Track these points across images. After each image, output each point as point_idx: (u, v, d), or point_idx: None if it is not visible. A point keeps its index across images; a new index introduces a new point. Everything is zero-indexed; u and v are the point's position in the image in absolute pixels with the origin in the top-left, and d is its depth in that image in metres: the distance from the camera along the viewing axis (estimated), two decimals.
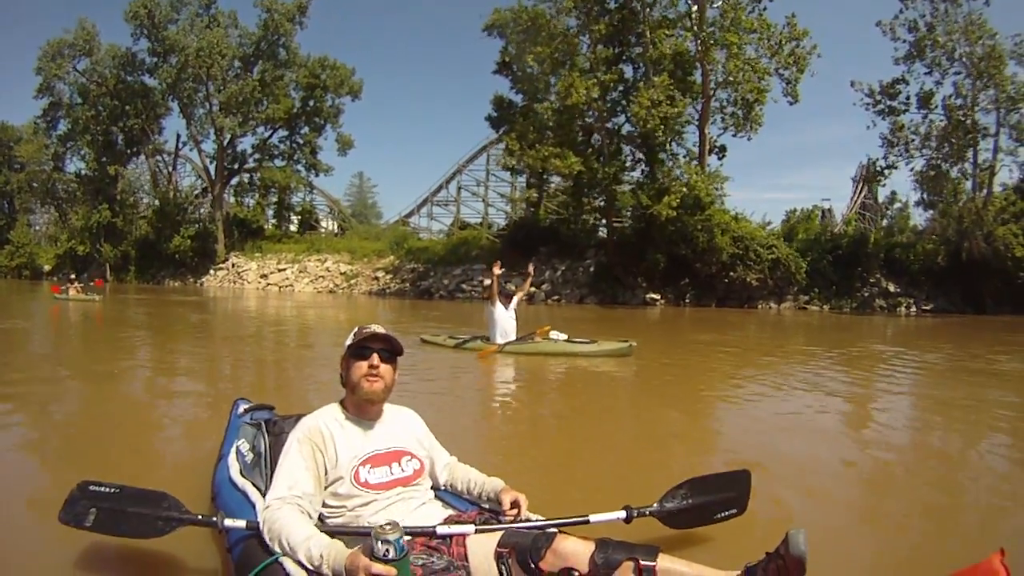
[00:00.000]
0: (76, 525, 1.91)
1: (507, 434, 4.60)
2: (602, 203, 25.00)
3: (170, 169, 32.78)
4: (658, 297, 23.99)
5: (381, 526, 1.46)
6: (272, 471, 2.09)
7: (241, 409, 3.07)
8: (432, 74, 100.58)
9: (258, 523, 1.83)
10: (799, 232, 26.14)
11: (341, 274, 28.47)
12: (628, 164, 24.95)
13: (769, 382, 6.94)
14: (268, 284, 29.02)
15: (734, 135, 26.19)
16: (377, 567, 1.44)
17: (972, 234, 24.71)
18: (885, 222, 38.07)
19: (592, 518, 2.10)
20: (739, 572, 1.68)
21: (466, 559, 1.81)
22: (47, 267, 30.03)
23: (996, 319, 21.69)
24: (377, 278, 27.83)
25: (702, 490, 2.41)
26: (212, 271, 30.36)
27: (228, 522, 1.92)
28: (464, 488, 2.23)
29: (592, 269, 24.93)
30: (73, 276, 19.65)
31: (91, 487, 1.97)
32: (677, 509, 2.35)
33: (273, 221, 33.42)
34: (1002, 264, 23.95)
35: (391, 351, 2.04)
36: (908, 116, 25.55)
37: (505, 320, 8.07)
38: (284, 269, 29.32)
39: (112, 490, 1.98)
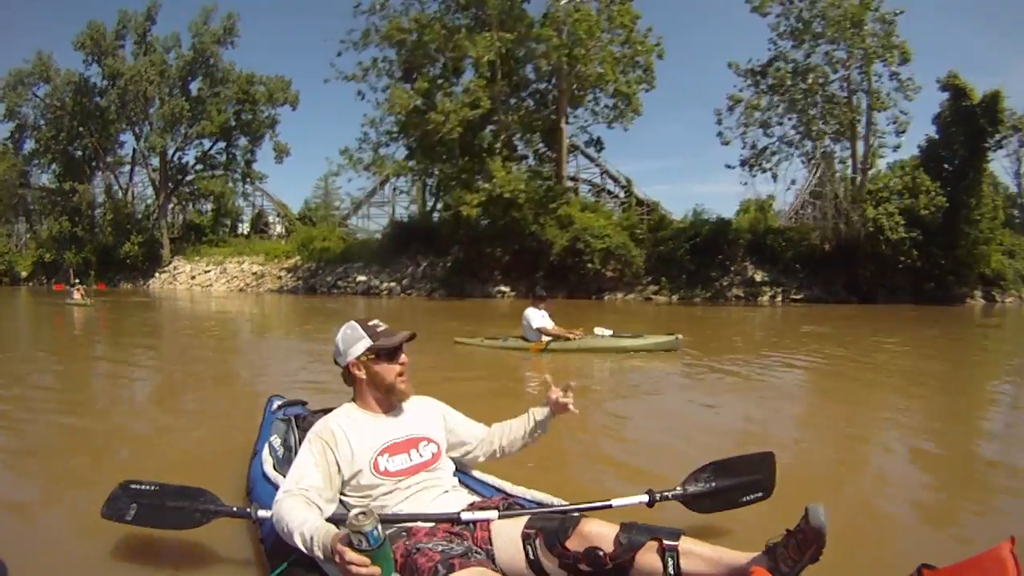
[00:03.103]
0: (118, 519, 2.04)
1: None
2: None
3: (127, 181, 36.56)
4: (507, 289, 24.17)
5: (356, 516, 1.48)
6: None
7: (275, 405, 3.15)
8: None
9: None
10: (671, 223, 25.29)
11: (252, 274, 30.64)
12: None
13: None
14: (194, 284, 31.70)
15: (609, 126, 26.07)
16: (350, 555, 1.48)
17: (846, 217, 22.97)
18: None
19: (615, 502, 2.12)
20: (761, 552, 1.71)
21: (490, 543, 1.85)
22: (24, 273, 34.36)
23: (876, 308, 20.29)
24: (280, 277, 29.75)
25: (725, 472, 2.37)
26: (157, 274, 33.50)
27: (262, 513, 1.99)
28: (512, 441, 2.27)
29: (449, 264, 25.40)
30: (77, 281, 22.02)
31: (132, 486, 2.09)
32: (700, 492, 2.32)
33: (224, 226, 36.24)
34: (877, 248, 22.13)
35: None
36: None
37: (539, 320, 8.12)
38: (209, 271, 31.91)
39: (152, 488, 2.10)
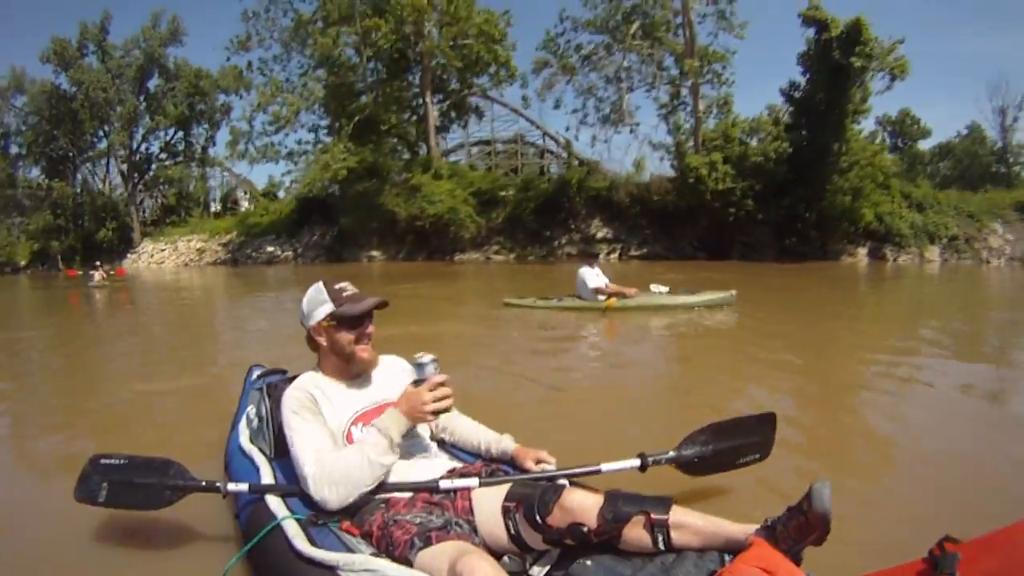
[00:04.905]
0: (91, 502, 2.02)
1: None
2: None
3: (105, 173, 41.29)
4: (377, 254, 26.43)
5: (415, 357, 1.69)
6: (274, 434, 2.18)
7: (255, 375, 3.08)
8: None
9: (262, 486, 1.93)
10: (537, 183, 26.44)
11: (196, 250, 34.34)
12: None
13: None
14: (152, 262, 35.80)
15: (484, 96, 27.80)
16: (435, 379, 1.69)
17: (680, 169, 23.31)
18: None
19: (604, 467, 2.03)
20: (758, 527, 1.60)
21: (471, 513, 1.77)
22: (23, 262, 39.51)
23: (719, 264, 20.01)
24: (217, 251, 33.31)
25: (724, 435, 2.29)
26: (129, 255, 37.88)
27: (231, 486, 1.96)
28: (464, 444, 2.21)
29: (335, 234, 27.84)
30: (98, 263, 25.19)
31: (102, 460, 2.08)
32: (696, 456, 2.23)
33: (186, 209, 40.37)
34: (700, 200, 22.42)
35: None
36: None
37: (593, 279, 8.27)
38: (164, 250, 35.91)
39: (121, 462, 2.08)
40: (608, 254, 23.91)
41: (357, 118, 25.00)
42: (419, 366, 1.75)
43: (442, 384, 1.77)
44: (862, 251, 23.60)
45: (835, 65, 21.84)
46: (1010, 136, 41.18)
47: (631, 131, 25.46)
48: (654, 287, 8.28)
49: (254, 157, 26.77)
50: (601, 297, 7.98)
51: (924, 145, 45.92)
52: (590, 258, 8.63)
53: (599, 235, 24.47)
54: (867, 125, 32.20)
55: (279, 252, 29.49)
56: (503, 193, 26.14)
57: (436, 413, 1.79)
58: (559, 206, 24.59)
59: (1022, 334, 7.58)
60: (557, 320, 7.84)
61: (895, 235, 23.54)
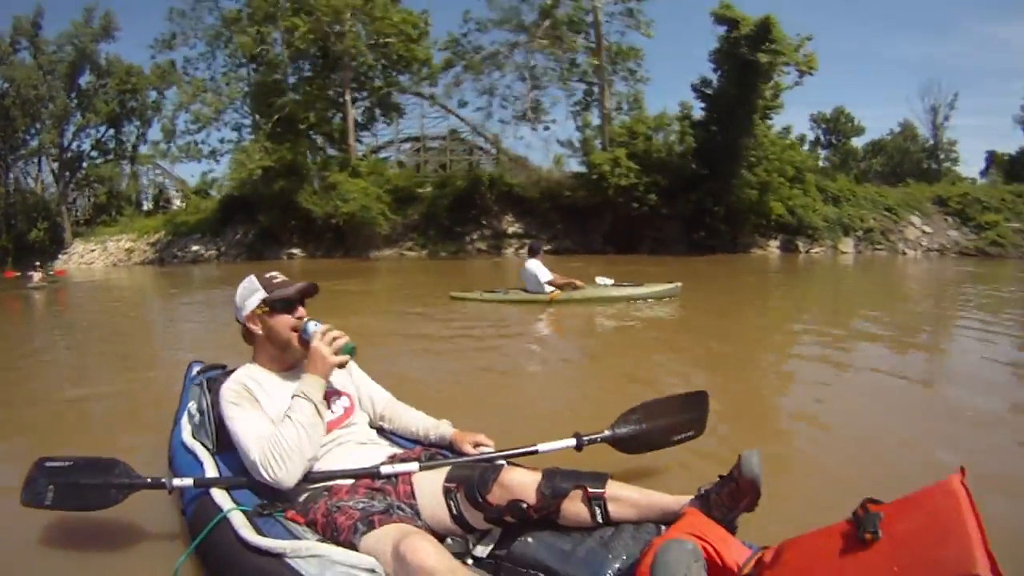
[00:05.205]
0: (37, 505, 2.00)
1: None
2: None
3: (37, 172, 40.75)
4: (298, 251, 26.51)
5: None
6: (216, 428, 2.18)
7: (195, 371, 3.08)
8: None
9: (206, 479, 1.96)
10: (452, 180, 26.72)
11: (125, 250, 34.05)
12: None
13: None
14: (81, 263, 35.42)
15: (404, 92, 27.92)
16: (320, 330, 1.86)
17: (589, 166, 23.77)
18: None
19: (541, 447, 2.10)
20: (692, 497, 1.67)
21: (413, 497, 1.82)
22: None
23: (624, 258, 20.48)
24: (145, 251, 33.05)
25: (657, 413, 2.37)
26: (60, 256, 37.40)
27: (176, 481, 1.98)
28: (404, 431, 2.26)
29: (256, 232, 27.83)
30: (38, 264, 24.62)
31: (47, 463, 2.06)
32: (630, 434, 2.30)
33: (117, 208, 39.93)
34: (604, 195, 22.88)
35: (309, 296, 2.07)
36: None
37: (544, 272, 8.35)
38: (93, 250, 35.54)
39: (67, 463, 2.06)
40: (517, 249, 24.26)
41: (276, 116, 25.06)
42: (305, 331, 1.88)
43: (328, 331, 1.91)
44: (774, 244, 24.38)
45: (744, 61, 22.33)
46: (940, 134, 42.55)
47: (546, 128, 25.80)
48: (599, 279, 8.44)
49: (176, 156, 26.78)
50: (549, 289, 8.10)
51: (858, 142, 47.23)
52: (535, 251, 8.54)
53: (511, 230, 24.93)
54: (785, 120, 33.07)
55: (203, 251, 29.43)
56: (420, 190, 26.39)
57: (339, 354, 1.91)
58: (472, 203, 24.91)
59: (931, 313, 8.50)
60: (502, 312, 7.98)
61: (807, 228, 24.23)
